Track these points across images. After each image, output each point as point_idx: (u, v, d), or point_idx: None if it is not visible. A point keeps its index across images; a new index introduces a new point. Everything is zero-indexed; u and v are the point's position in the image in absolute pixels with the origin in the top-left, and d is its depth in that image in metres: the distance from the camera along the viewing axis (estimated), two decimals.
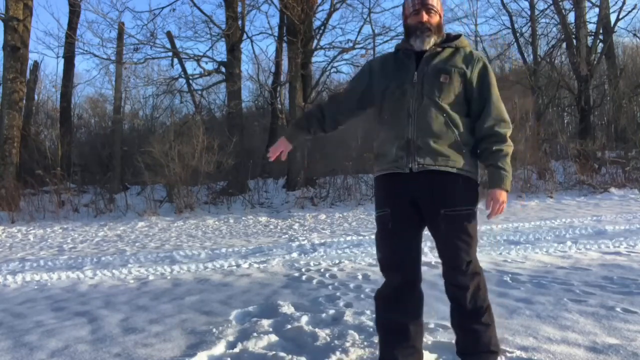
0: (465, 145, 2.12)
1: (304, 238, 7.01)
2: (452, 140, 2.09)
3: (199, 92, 16.05)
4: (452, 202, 2.08)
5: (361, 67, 2.48)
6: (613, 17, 15.46)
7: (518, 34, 17.13)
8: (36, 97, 18.33)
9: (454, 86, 2.12)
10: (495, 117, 2.12)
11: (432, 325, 2.83)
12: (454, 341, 2.57)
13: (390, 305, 2.21)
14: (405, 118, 2.11)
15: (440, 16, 2.20)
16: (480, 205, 2.14)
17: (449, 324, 2.84)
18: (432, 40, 2.16)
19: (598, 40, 15.61)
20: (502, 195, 2.09)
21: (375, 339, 2.61)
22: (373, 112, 2.34)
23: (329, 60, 15.00)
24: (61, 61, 22.78)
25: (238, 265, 5.10)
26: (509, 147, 2.12)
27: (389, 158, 2.16)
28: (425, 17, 2.15)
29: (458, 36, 2.23)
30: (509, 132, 2.13)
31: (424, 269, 4.60)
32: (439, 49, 2.18)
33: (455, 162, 2.09)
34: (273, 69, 16.93)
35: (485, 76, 2.17)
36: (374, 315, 3.04)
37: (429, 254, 5.11)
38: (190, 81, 15.22)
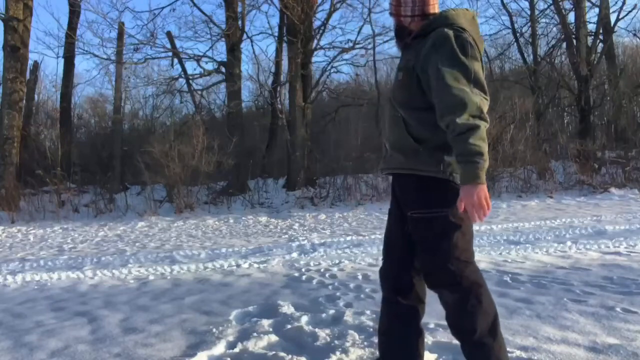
0: (422, 143, 1.89)
1: (304, 238, 7.01)
2: (406, 140, 1.92)
3: (199, 92, 16.05)
4: (412, 205, 1.95)
5: None
6: (613, 17, 15.47)
7: (518, 34, 17.13)
8: (36, 97, 18.32)
9: (409, 82, 1.93)
10: (442, 104, 1.80)
11: (432, 325, 2.83)
12: (454, 341, 2.58)
13: (384, 309, 2.17)
14: (385, 119, 2.18)
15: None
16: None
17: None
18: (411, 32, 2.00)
19: (598, 40, 15.61)
20: (473, 192, 1.73)
21: (375, 339, 2.62)
22: None
23: (329, 60, 15.02)
24: (61, 61, 22.76)
25: (238, 265, 5.10)
26: (468, 131, 1.72)
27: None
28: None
29: (433, 19, 1.96)
30: (464, 114, 1.73)
31: None
32: (410, 42, 1.99)
33: (409, 163, 1.92)
34: (273, 69, 16.94)
35: (429, 58, 1.84)
36: (374, 316, 3.05)
37: None
38: (190, 81, 15.22)
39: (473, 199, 1.74)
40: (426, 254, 1.96)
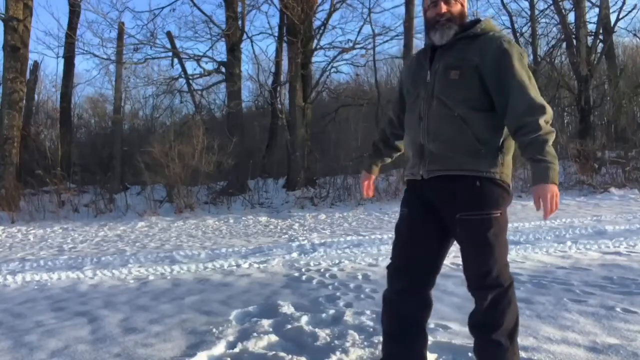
0: (484, 144, 1.91)
1: (304, 238, 7.01)
2: (466, 141, 1.91)
3: (199, 92, 16.07)
4: (466, 207, 1.91)
5: None
6: (613, 17, 15.48)
7: (518, 34, 17.13)
8: (36, 97, 18.33)
9: (466, 81, 1.92)
10: (523, 105, 1.85)
11: (432, 325, 2.83)
12: (454, 341, 2.58)
13: (392, 307, 2.14)
14: (417, 122, 2.00)
15: (462, 4, 2.01)
16: (531, 204, 2.04)
17: (449, 324, 2.86)
18: (453, 31, 1.97)
19: (598, 40, 15.61)
20: (549, 190, 1.80)
21: (376, 339, 2.62)
22: None
23: (329, 60, 15.04)
24: (61, 61, 22.79)
25: (238, 265, 5.10)
26: (547, 135, 1.82)
27: (410, 164, 2.11)
28: (444, 7, 1.97)
29: (478, 21, 2.02)
30: (543, 118, 1.83)
31: None
32: (452, 42, 1.99)
33: (470, 164, 1.91)
34: (273, 69, 16.95)
35: (502, 62, 1.89)
36: (374, 316, 3.05)
37: None
38: (190, 81, 15.23)
39: (549, 196, 1.81)
40: (480, 256, 1.94)
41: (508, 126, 1.90)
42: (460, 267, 4.79)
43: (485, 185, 1.92)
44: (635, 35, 17.86)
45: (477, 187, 1.91)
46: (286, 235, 7.58)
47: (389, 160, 2.48)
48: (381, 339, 2.62)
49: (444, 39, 1.98)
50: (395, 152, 2.45)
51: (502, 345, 1.95)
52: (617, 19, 15.23)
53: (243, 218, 10.11)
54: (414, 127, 2.04)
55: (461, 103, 1.93)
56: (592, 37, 15.53)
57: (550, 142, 1.83)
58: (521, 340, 2.58)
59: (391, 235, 6.84)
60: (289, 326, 2.92)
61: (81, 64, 50.00)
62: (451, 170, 1.93)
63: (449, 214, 1.96)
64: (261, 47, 51.23)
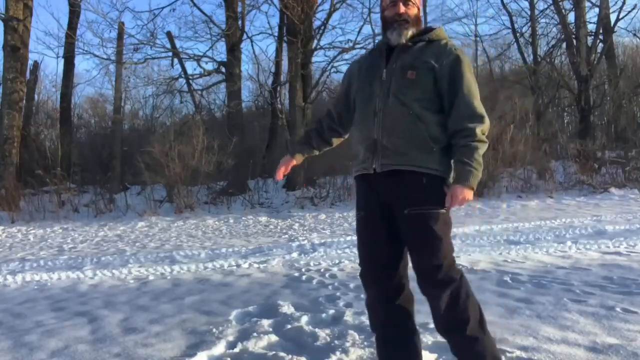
0: (436, 143, 1.99)
1: (304, 238, 7.01)
2: (419, 139, 1.98)
3: (199, 92, 16.07)
4: (416, 202, 1.96)
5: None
6: (613, 17, 15.48)
7: (518, 34, 17.14)
8: (36, 97, 18.33)
9: (422, 82, 2.00)
10: (466, 112, 1.97)
11: (432, 326, 2.82)
12: None
13: (375, 314, 2.17)
14: (372, 117, 2.04)
15: (418, 8, 2.10)
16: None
17: None
18: (410, 32, 2.06)
19: (598, 40, 15.61)
20: (464, 193, 1.93)
21: None
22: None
23: (329, 60, 15.00)
24: (61, 61, 22.77)
25: (238, 265, 5.10)
26: (480, 143, 1.95)
27: (360, 159, 2.11)
28: (402, 8, 2.05)
29: (432, 29, 2.13)
30: (481, 127, 1.96)
31: None
32: (409, 44, 2.06)
33: (422, 160, 1.97)
34: (273, 69, 16.95)
35: (456, 69, 2.01)
36: None
37: None
38: (190, 81, 15.23)
39: (460, 197, 1.94)
40: (430, 249, 1.98)
41: (449, 127, 2.00)
42: (461, 266, 4.80)
43: (434, 183, 1.99)
44: (635, 35, 17.87)
45: (427, 184, 1.97)
46: (286, 235, 7.58)
47: (316, 153, 2.41)
48: None
49: (401, 39, 2.05)
50: (326, 146, 2.42)
51: (479, 339, 1.97)
52: (617, 19, 15.24)
53: (243, 218, 10.11)
54: (366, 123, 2.07)
55: (416, 102, 2.00)
56: (592, 37, 15.53)
57: (481, 152, 1.95)
58: (521, 340, 2.58)
59: None
60: (289, 326, 2.92)
61: (81, 64, 50.01)
62: (404, 166, 1.98)
63: (399, 210, 2.01)
64: (261, 47, 51.22)
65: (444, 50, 2.03)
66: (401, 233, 2.04)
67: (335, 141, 2.42)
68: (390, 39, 2.08)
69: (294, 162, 2.36)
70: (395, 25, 2.05)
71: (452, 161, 2.02)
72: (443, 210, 1.98)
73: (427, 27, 2.18)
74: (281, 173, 2.33)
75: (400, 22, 2.05)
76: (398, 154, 1.99)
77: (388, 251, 2.09)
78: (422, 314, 3.09)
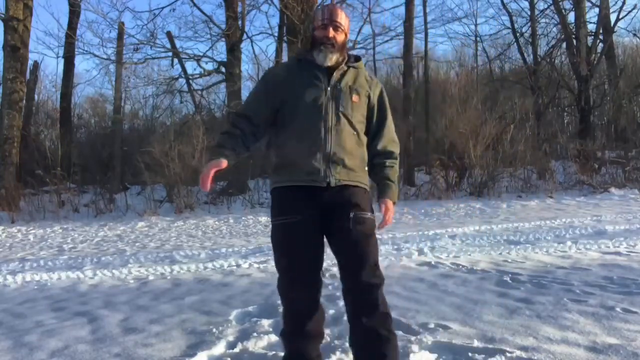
0: (365, 163, 2.24)
1: None
2: (360, 158, 2.19)
3: (199, 92, 16.06)
4: (360, 208, 2.12)
5: (261, 78, 2.33)
6: (613, 17, 15.50)
7: (518, 34, 17.16)
8: (36, 97, 18.35)
9: (361, 106, 2.20)
10: (390, 138, 2.29)
11: (432, 325, 2.83)
12: (454, 341, 2.58)
13: (300, 319, 2.15)
14: (322, 133, 2.10)
15: (345, 35, 2.21)
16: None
17: (449, 324, 2.86)
18: (335, 57, 2.15)
19: (598, 40, 15.62)
20: (392, 206, 2.25)
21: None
22: (276, 120, 2.21)
23: None
24: (61, 61, 22.81)
25: (238, 265, 5.10)
26: (397, 165, 2.32)
27: (305, 170, 2.09)
28: (331, 33, 2.14)
29: (358, 58, 2.31)
30: (398, 151, 2.33)
31: (424, 268, 4.61)
32: (345, 68, 2.19)
33: (363, 177, 2.21)
34: None
35: (383, 99, 2.29)
36: None
37: (429, 254, 5.12)
38: (190, 81, 15.23)
39: (392, 210, 2.27)
40: (369, 247, 2.11)
41: (374, 149, 2.27)
42: (461, 266, 4.78)
43: (368, 195, 2.24)
44: (635, 35, 17.88)
45: (365, 197, 2.19)
46: None
47: (233, 162, 2.17)
48: None
49: (325, 61, 2.15)
50: (244, 152, 2.24)
51: (395, 338, 2.09)
52: (617, 19, 15.26)
53: (243, 218, 10.11)
54: (316, 137, 2.10)
55: (358, 124, 2.20)
56: (592, 37, 15.54)
57: (397, 172, 2.33)
58: (521, 340, 2.58)
59: (391, 234, 6.85)
60: None
61: (81, 64, 50.03)
62: (352, 182, 2.16)
63: (342, 214, 2.11)
64: (261, 47, 51.31)
65: (372, 81, 2.28)
66: (342, 234, 2.10)
67: (252, 148, 2.26)
68: (317, 59, 2.16)
69: (223, 165, 2.08)
70: (322, 48, 2.14)
71: (375, 177, 2.30)
72: (374, 218, 2.19)
73: (351, 54, 2.30)
74: (208, 182, 2.04)
75: (327, 45, 2.13)
76: (348, 170, 2.14)
77: (322, 258, 2.15)
78: (422, 313, 3.10)
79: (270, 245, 2.33)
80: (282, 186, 2.18)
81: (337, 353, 2.48)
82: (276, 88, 2.19)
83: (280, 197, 2.18)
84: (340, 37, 2.16)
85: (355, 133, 2.16)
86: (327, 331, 2.79)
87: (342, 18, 2.18)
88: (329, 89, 2.14)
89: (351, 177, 2.14)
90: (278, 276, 2.22)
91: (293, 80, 2.18)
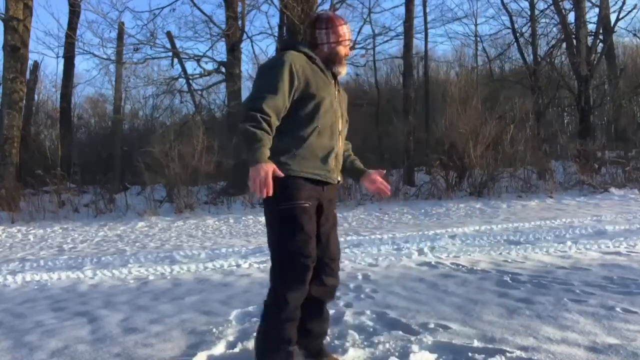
0: None
1: None
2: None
3: (199, 92, 16.07)
4: (335, 204, 2.44)
5: (282, 63, 2.14)
6: (613, 17, 15.49)
7: (518, 34, 17.15)
8: (36, 97, 18.35)
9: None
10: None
11: (432, 325, 2.83)
12: (454, 341, 2.58)
13: (294, 319, 2.31)
14: (335, 133, 2.29)
15: None
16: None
17: (449, 324, 2.86)
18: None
19: (598, 40, 15.62)
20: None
21: (375, 339, 2.62)
22: (296, 110, 2.17)
23: None
24: (61, 61, 22.82)
25: (238, 265, 5.10)
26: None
27: (325, 166, 2.24)
28: (350, 52, 2.41)
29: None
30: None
31: (424, 268, 4.61)
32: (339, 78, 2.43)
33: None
34: None
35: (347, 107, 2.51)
36: (374, 316, 3.05)
37: (429, 254, 5.12)
38: (190, 81, 15.24)
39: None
40: (337, 243, 2.41)
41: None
42: (461, 266, 4.78)
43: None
44: (635, 35, 17.89)
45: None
46: None
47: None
48: (381, 339, 2.63)
49: (342, 74, 2.36)
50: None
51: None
52: (617, 19, 15.26)
53: (243, 218, 10.11)
54: (331, 137, 2.27)
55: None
56: (592, 37, 15.54)
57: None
58: (521, 340, 2.58)
59: (392, 234, 6.85)
60: None
61: (81, 64, 50.10)
62: (340, 181, 2.41)
63: (329, 207, 2.36)
64: (261, 47, 51.33)
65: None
66: (324, 227, 2.30)
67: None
68: (341, 71, 2.34)
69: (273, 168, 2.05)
70: (344, 62, 2.35)
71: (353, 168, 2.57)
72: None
73: None
74: (270, 186, 2.02)
75: (346, 61, 2.37)
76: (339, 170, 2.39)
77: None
78: (422, 313, 3.10)
79: None
80: (301, 176, 2.19)
81: (337, 353, 2.47)
82: (301, 81, 2.15)
83: (297, 185, 2.19)
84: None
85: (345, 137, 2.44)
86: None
87: None
88: (336, 93, 2.32)
89: (340, 177, 2.41)
90: (280, 255, 2.22)
91: (315, 77, 2.21)
